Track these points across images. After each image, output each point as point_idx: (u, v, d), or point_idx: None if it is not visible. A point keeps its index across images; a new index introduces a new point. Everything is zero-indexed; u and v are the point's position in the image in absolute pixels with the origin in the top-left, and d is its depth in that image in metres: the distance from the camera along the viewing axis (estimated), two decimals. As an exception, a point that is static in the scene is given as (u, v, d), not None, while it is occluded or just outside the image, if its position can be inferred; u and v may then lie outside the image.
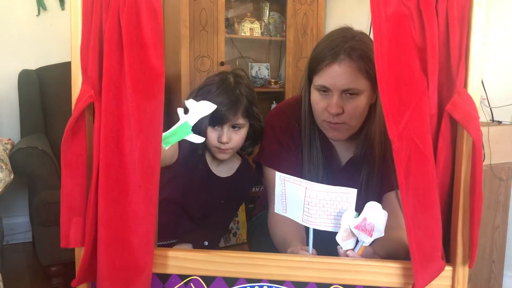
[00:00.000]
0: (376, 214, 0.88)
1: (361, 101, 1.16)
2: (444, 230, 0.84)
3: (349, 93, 1.15)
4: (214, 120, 1.27)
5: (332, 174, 1.28)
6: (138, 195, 0.86)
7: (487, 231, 1.93)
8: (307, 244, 0.96)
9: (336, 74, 1.14)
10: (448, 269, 0.86)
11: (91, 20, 0.86)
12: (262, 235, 1.35)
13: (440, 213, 0.82)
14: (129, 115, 0.84)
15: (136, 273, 0.85)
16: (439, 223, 0.82)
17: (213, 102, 1.28)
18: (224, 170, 1.41)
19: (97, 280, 0.87)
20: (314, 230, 0.94)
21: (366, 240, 0.90)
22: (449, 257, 0.87)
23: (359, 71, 1.13)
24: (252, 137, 1.38)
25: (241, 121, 1.31)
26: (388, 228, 0.90)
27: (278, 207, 0.97)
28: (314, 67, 1.19)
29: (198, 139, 0.97)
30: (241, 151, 1.42)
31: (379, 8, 0.81)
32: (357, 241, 0.91)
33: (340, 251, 0.92)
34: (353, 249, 0.91)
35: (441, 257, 0.84)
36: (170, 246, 1.30)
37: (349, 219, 0.89)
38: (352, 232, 0.90)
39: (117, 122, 0.85)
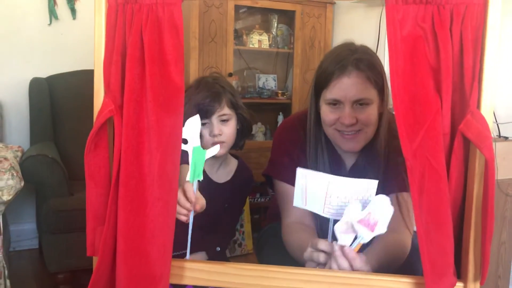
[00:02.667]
0: (382, 209, 0.89)
1: (373, 110, 1.20)
2: (455, 247, 0.86)
3: (359, 103, 1.18)
4: (202, 114, 1.31)
5: None
6: (156, 207, 0.88)
7: (493, 246, 1.91)
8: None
9: (346, 86, 1.17)
10: (459, 285, 0.87)
11: (114, 36, 0.88)
12: (272, 246, 1.36)
13: (452, 230, 0.84)
14: (149, 128, 0.87)
15: (153, 283, 0.87)
16: (451, 240, 0.84)
17: (195, 100, 1.34)
18: (222, 176, 1.44)
19: (115, 290, 0.89)
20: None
21: (366, 237, 0.91)
22: (460, 273, 0.89)
23: (368, 81, 1.17)
24: (242, 130, 1.42)
25: (227, 111, 1.35)
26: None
27: (297, 201, 1.00)
28: (322, 82, 1.21)
29: (214, 150, 1.00)
30: (235, 148, 1.45)
31: (395, 28, 0.83)
32: (355, 238, 0.92)
33: (336, 247, 0.92)
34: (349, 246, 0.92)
35: (453, 273, 0.85)
36: (181, 257, 1.32)
37: (354, 213, 0.90)
38: (352, 227, 0.91)
39: (137, 135, 0.87)
